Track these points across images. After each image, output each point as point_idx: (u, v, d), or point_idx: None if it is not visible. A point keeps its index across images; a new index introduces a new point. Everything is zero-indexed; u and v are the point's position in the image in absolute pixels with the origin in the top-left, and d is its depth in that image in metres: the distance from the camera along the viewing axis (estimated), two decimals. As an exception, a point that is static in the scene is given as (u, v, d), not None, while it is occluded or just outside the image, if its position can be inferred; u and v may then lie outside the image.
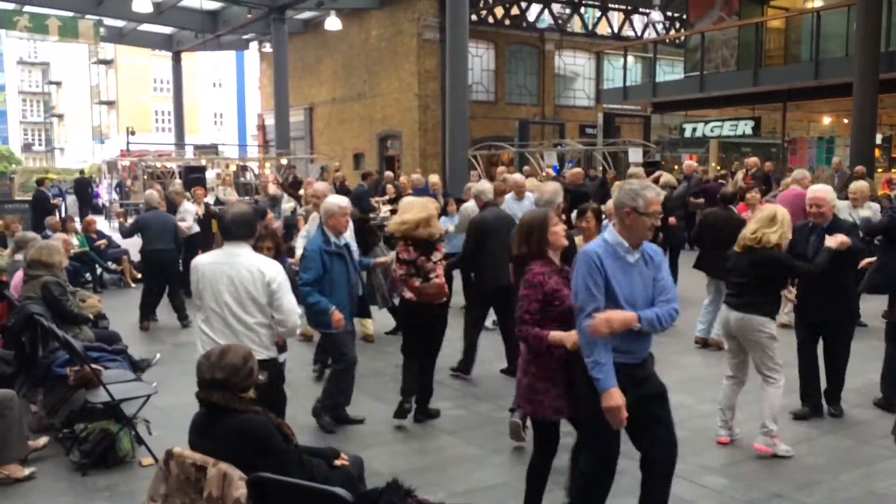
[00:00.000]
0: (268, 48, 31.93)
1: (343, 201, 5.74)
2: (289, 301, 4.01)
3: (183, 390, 4.65)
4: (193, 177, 18.70)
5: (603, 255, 3.44)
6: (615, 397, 3.35)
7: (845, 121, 18.27)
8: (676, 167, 20.10)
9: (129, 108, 54.30)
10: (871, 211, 8.52)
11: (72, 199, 25.09)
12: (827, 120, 21.08)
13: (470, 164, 19.40)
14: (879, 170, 16.61)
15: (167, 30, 31.86)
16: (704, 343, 7.90)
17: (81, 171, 31.49)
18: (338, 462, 3.59)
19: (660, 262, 3.61)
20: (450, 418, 5.85)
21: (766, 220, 5.17)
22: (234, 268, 3.96)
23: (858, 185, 8.66)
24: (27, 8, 25.25)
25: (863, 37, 14.12)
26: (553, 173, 17.85)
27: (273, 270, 3.99)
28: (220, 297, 3.95)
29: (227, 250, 4.06)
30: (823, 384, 5.87)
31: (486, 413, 6.00)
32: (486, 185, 7.81)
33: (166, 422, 5.43)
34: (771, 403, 5.08)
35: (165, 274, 9.18)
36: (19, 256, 7.50)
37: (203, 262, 4.09)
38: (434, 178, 13.51)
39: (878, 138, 16.45)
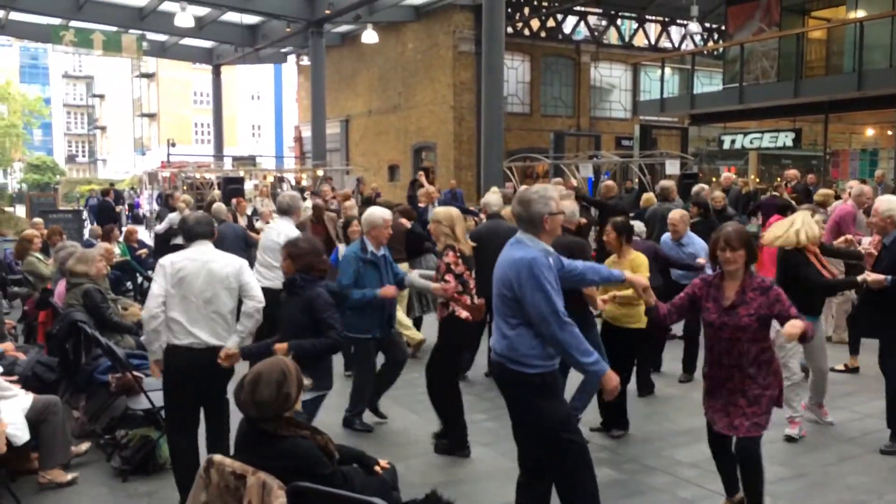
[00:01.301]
0: (305, 61, 32.35)
1: (387, 214, 5.88)
2: (256, 285, 4.47)
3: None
4: (232, 188, 18.97)
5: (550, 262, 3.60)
6: (614, 374, 3.69)
7: (889, 133, 17.92)
8: (714, 179, 19.86)
9: (169, 121, 55.39)
10: None
11: (114, 210, 25.59)
12: (870, 132, 20.63)
13: (505, 175, 19.38)
14: (925, 183, 16.20)
15: (208, 44, 32.49)
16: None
17: (112, 184, 32.08)
18: (376, 468, 3.60)
19: None
20: (485, 430, 5.82)
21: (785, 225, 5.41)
22: (206, 263, 4.34)
23: None
24: (73, 23, 25.94)
25: (908, 47, 13.84)
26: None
27: (238, 262, 4.44)
28: (197, 289, 4.26)
29: (197, 248, 4.40)
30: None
31: (521, 426, 5.96)
32: (491, 198, 7.45)
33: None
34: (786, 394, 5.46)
35: None
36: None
37: (181, 258, 4.37)
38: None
39: (924, 151, 16.10)
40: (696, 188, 10.76)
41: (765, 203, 12.03)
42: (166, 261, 4.39)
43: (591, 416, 5.76)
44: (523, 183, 21.45)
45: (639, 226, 6.96)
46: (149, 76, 58.66)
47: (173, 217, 11.51)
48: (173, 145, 32.66)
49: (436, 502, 2.97)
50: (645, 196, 11.79)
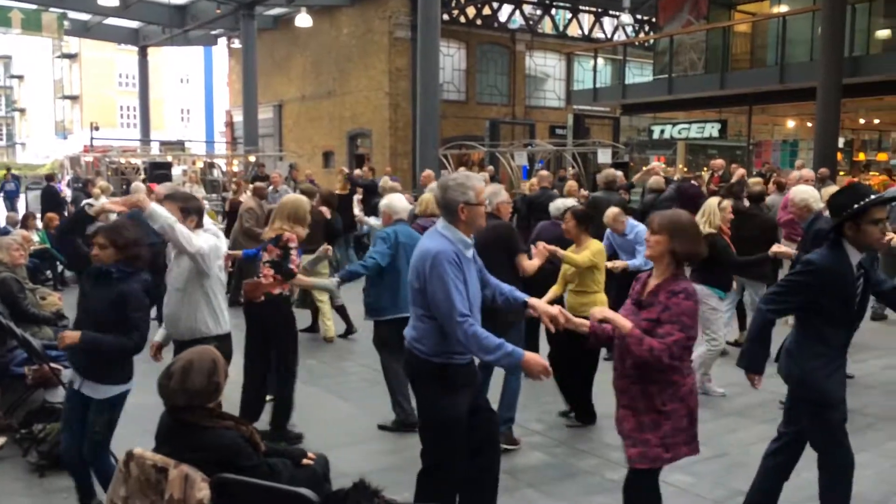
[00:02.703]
0: (237, 44, 31.57)
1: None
2: None
3: (147, 390, 4.54)
4: (159, 173, 18.43)
5: (458, 255, 3.41)
6: (534, 356, 3.41)
7: (809, 124, 18.58)
8: (644, 168, 20.29)
9: (93, 103, 53.37)
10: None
11: (33, 196, 24.59)
12: (791, 123, 21.42)
13: (441, 163, 19.38)
14: (841, 173, 16.91)
15: (133, 24, 31.38)
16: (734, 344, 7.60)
17: (8, 168, 30.62)
18: (304, 461, 3.55)
19: (475, 255, 3.66)
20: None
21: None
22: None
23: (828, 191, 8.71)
24: (-11, 0, 24.72)
25: (827, 42, 14.36)
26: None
27: None
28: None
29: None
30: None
31: (454, 412, 5.98)
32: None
33: (129, 422, 5.31)
34: (703, 358, 6.17)
35: (156, 267, 8.95)
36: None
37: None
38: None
39: (840, 142, 16.75)
40: (603, 174, 10.62)
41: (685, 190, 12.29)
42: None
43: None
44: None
45: (559, 205, 6.67)
46: (71, 57, 56.32)
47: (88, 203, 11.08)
48: (97, 129, 31.42)
49: (363, 491, 2.94)
50: (569, 184, 11.64)
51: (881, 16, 16.49)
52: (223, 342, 4.26)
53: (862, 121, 21.00)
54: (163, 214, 4.10)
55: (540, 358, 3.44)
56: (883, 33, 16.42)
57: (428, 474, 3.63)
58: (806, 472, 4.86)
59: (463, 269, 3.41)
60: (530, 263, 5.16)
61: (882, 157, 22.28)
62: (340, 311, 8.47)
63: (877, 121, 21.39)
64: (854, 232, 3.44)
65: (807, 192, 5.89)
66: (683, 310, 3.17)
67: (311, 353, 7.69)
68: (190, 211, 4.49)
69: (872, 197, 3.44)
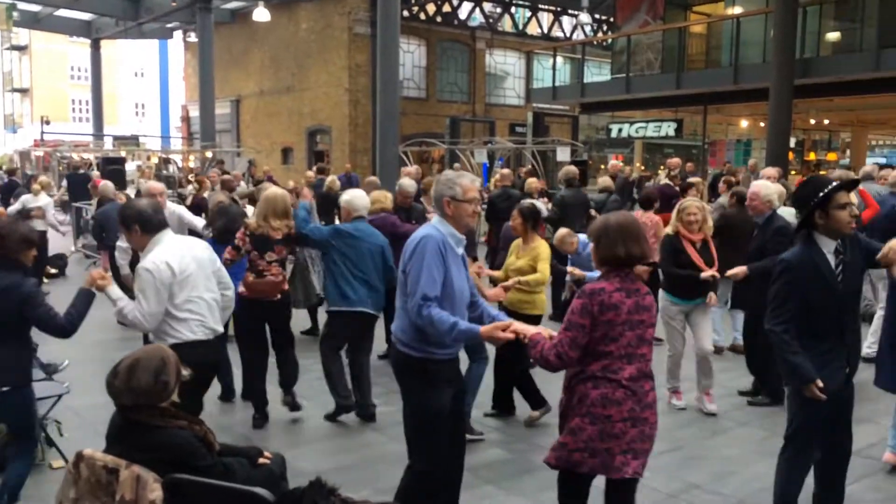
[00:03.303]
0: (193, 38, 31.08)
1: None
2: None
3: (99, 391, 4.45)
4: (112, 169, 18.04)
5: (446, 245, 3.44)
6: (488, 327, 3.36)
7: (762, 124, 19.01)
8: (603, 167, 20.53)
9: (44, 96, 51.99)
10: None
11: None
12: (745, 123, 21.90)
13: (401, 160, 19.35)
14: (792, 172, 17.33)
15: (86, 16, 30.66)
16: (721, 351, 7.55)
17: None
18: (261, 460, 3.51)
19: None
20: (377, 415, 5.80)
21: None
22: (194, 250, 4.07)
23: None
24: (-68, -12, 23.94)
25: (779, 44, 14.68)
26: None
27: (208, 247, 4.27)
28: (206, 282, 4.06)
29: (177, 238, 4.14)
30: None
31: (413, 410, 5.96)
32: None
33: (80, 423, 5.21)
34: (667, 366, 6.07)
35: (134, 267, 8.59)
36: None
37: (184, 253, 3.98)
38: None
39: (792, 142, 17.13)
40: (563, 171, 10.67)
41: (663, 191, 12.42)
42: (176, 259, 3.86)
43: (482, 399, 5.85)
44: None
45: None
46: (20, 49, 54.79)
47: (27, 199, 10.89)
48: (47, 123, 30.68)
49: (319, 489, 2.91)
50: (530, 180, 11.67)
51: (831, 18, 16.93)
52: (201, 348, 3.96)
53: (812, 121, 21.56)
54: (113, 297, 3.91)
55: (495, 325, 3.38)
56: (833, 36, 16.86)
57: (413, 469, 3.66)
58: (757, 465, 4.98)
59: (447, 260, 3.43)
60: (494, 294, 5.23)
61: (832, 156, 22.93)
62: (310, 309, 8.40)
63: (827, 121, 21.99)
64: (824, 220, 3.50)
65: (771, 188, 6.08)
66: (572, 307, 3.20)
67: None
68: (128, 222, 3.92)
69: (835, 183, 3.52)
